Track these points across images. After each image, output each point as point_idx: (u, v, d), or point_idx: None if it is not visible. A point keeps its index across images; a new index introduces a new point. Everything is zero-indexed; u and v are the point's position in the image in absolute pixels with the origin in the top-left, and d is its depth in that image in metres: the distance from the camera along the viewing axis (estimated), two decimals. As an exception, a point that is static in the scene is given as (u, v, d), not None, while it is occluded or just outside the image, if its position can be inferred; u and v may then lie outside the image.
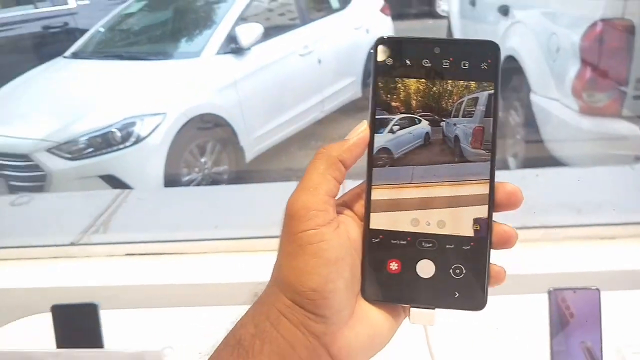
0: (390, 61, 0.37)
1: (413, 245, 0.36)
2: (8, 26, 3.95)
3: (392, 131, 0.37)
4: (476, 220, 0.36)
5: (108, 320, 0.95)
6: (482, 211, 0.36)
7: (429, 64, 0.36)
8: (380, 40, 0.37)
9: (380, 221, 0.36)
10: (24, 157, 2.40)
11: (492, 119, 0.37)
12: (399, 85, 0.37)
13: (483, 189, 0.36)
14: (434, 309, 0.36)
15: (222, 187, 2.55)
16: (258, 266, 1.17)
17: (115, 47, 3.24)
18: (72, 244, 1.29)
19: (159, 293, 1.16)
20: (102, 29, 3.25)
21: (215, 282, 1.15)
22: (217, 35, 2.90)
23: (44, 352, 0.50)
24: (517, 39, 2.74)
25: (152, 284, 1.16)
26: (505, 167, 2.40)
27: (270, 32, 3.05)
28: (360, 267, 0.36)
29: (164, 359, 0.50)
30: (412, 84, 0.36)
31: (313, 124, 3.13)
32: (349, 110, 3.29)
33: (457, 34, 3.72)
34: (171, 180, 2.49)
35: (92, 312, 0.75)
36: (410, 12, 5.16)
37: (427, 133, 0.37)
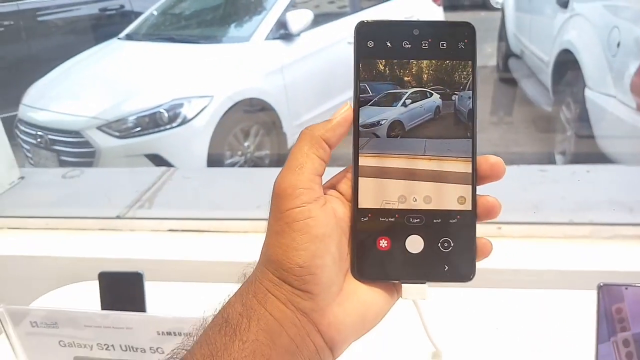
0: (371, 44, 0.38)
1: (401, 221, 0.37)
2: (66, 7, 4.08)
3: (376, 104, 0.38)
4: (460, 194, 0.37)
5: (150, 291, 0.98)
6: (466, 186, 0.37)
7: (409, 45, 0.37)
8: (361, 24, 0.38)
9: (367, 200, 0.37)
10: (75, 133, 2.49)
11: (471, 92, 0.38)
12: (380, 66, 0.38)
13: (465, 166, 0.37)
14: (424, 283, 0.36)
15: (265, 170, 2.56)
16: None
17: (167, 30, 3.30)
18: (118, 217, 1.32)
19: (200, 268, 1.18)
20: (155, 12, 3.31)
21: (255, 260, 1.16)
22: (267, 21, 2.91)
23: (92, 313, 0.52)
24: (575, 32, 2.65)
25: (193, 260, 1.19)
26: (552, 162, 2.33)
27: (320, 19, 3.04)
28: (347, 246, 0.36)
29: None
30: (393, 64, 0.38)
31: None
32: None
33: (511, 28, 3.62)
34: (214, 162, 2.52)
35: (137, 280, 0.77)
36: (463, 3, 5.05)
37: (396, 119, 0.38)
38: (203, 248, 1.22)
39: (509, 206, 1.31)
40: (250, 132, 2.72)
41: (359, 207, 0.37)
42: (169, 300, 1.01)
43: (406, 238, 0.37)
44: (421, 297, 0.36)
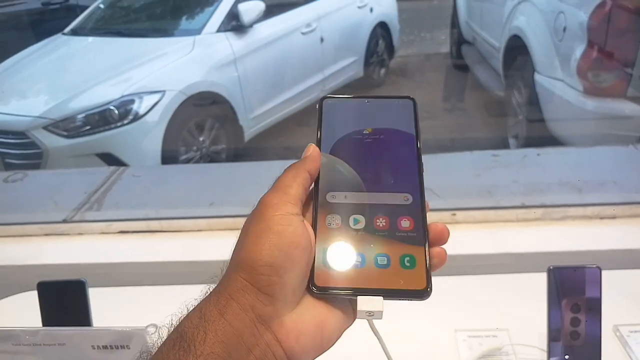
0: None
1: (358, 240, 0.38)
2: (6, 2, 3.89)
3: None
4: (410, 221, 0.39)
5: (101, 298, 0.94)
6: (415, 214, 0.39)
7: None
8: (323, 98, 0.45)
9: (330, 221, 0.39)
10: (20, 134, 2.38)
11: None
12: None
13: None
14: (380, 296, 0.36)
15: (219, 165, 2.52)
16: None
17: (115, 24, 3.19)
18: (64, 221, 1.27)
19: (153, 271, 1.14)
20: (102, 6, 3.20)
21: (210, 259, 1.13)
22: (218, 13, 2.85)
23: (20, 330, 0.48)
24: (523, 19, 2.69)
25: (146, 262, 1.15)
26: (506, 146, 2.38)
27: (273, 9, 3.00)
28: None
29: (147, 336, 0.48)
30: None
31: (314, 103, 3.09)
32: (350, 90, 3.25)
33: (463, 15, 3.66)
34: (169, 159, 2.46)
35: (79, 289, 0.73)
36: (415, -9, 5.07)
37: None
38: (156, 249, 1.18)
39: (463, 192, 1.32)
40: (205, 126, 2.67)
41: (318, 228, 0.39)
42: (120, 307, 0.97)
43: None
44: (377, 309, 0.36)
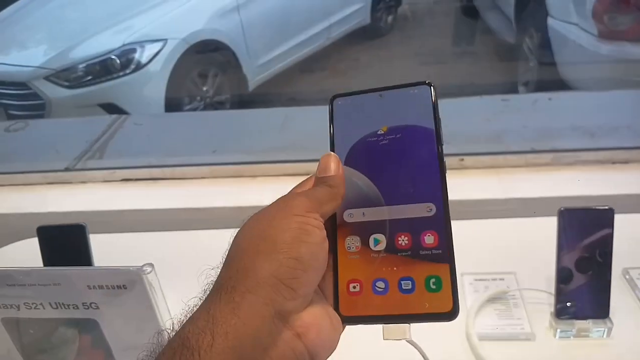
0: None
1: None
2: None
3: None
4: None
5: (103, 244, 0.93)
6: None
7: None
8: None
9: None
10: (22, 85, 2.35)
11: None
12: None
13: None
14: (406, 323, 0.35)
15: (222, 112, 2.49)
16: (257, 191, 1.15)
17: (113, -30, 3.09)
18: (67, 169, 1.26)
19: (156, 218, 1.14)
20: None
21: (213, 206, 1.12)
22: (220, -43, 2.75)
23: (13, 271, 0.47)
24: (537, -40, 2.58)
25: (149, 209, 1.14)
26: (515, 91, 2.32)
27: (277, -45, 2.89)
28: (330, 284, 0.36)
29: (144, 275, 0.47)
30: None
31: (319, 51, 3.02)
32: (356, 38, 3.17)
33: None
34: (172, 109, 2.44)
35: (80, 233, 0.72)
36: None
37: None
38: (159, 197, 1.17)
39: (472, 137, 1.30)
40: (209, 75, 2.62)
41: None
42: (123, 252, 0.97)
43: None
44: (403, 337, 0.35)
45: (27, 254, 0.81)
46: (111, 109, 2.37)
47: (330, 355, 0.34)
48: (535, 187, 1.07)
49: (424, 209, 0.37)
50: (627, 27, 2.11)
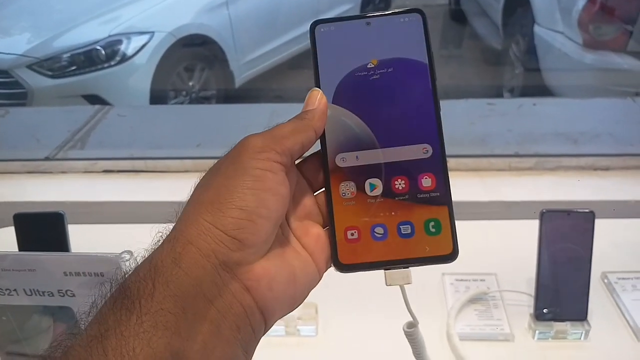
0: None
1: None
2: None
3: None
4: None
5: (82, 234, 0.91)
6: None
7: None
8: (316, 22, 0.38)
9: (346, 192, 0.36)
10: (3, 73, 2.31)
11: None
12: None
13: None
14: (408, 268, 0.35)
15: (207, 106, 2.47)
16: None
17: (101, -39, 3.05)
18: (47, 158, 1.24)
19: (137, 210, 1.12)
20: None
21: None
22: (209, -49, 2.73)
23: (-12, 254, 0.46)
24: (525, -32, 2.60)
25: (131, 201, 1.13)
26: (500, 95, 2.34)
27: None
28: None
29: (122, 263, 0.46)
30: None
31: (306, 51, 3.02)
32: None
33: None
34: (158, 103, 2.41)
35: (57, 221, 0.71)
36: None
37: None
38: (140, 189, 1.16)
39: (456, 140, 1.30)
40: (195, 70, 2.60)
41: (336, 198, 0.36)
42: (101, 243, 0.95)
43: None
44: (406, 282, 0.35)
45: (2, 242, 0.79)
46: (95, 100, 2.33)
47: (288, 312, 0.32)
48: (517, 190, 1.07)
49: (420, 151, 0.36)
50: (611, 37, 2.14)
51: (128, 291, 0.28)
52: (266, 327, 0.31)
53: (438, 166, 0.35)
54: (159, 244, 0.30)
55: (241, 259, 0.29)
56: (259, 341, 0.31)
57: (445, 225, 0.35)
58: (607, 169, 1.12)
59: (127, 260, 0.46)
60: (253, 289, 0.29)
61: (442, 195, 0.35)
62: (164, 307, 0.27)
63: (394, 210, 0.35)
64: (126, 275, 0.29)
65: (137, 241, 1.00)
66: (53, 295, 0.48)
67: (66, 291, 0.48)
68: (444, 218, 0.35)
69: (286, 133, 0.32)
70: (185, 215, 0.31)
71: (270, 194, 0.30)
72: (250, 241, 0.29)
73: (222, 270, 0.29)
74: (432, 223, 0.35)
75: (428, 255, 0.35)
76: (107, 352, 0.26)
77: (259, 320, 0.30)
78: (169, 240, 0.30)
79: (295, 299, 0.32)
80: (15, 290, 0.48)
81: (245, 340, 0.29)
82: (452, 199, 0.36)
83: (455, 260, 0.35)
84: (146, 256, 0.30)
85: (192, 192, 0.32)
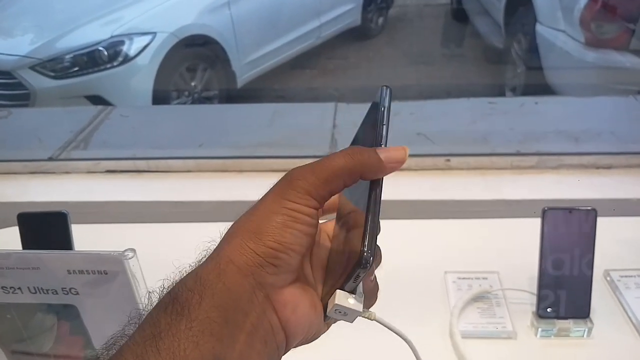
0: None
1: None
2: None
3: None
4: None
5: (86, 233, 0.92)
6: None
7: None
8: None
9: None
10: (6, 74, 2.31)
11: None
12: None
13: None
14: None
15: (210, 106, 2.47)
16: (244, 186, 1.15)
17: (103, -38, 3.06)
18: (50, 159, 1.24)
19: (140, 210, 1.13)
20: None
21: (198, 200, 1.12)
22: (212, -47, 2.73)
23: (-9, 252, 0.47)
24: (526, -33, 2.60)
25: (133, 201, 1.13)
26: (502, 94, 2.34)
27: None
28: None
29: (125, 261, 0.47)
30: None
31: (308, 50, 3.02)
32: (346, 38, 3.17)
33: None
34: (160, 104, 2.41)
35: (61, 221, 0.71)
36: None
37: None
38: (143, 189, 1.16)
39: (458, 138, 1.31)
40: (197, 70, 2.60)
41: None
42: (105, 243, 0.95)
43: None
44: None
45: (6, 242, 0.80)
46: (97, 101, 2.33)
47: (307, 337, 0.35)
48: (519, 189, 1.07)
49: None
50: (613, 35, 2.13)
51: (178, 298, 0.30)
52: (287, 347, 0.34)
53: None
54: (204, 260, 0.34)
55: (274, 282, 0.33)
56: (280, 358, 0.34)
57: None
58: (609, 167, 1.12)
59: (130, 258, 0.46)
60: (280, 310, 0.33)
61: None
62: (210, 315, 0.30)
63: None
64: (174, 283, 0.32)
65: (140, 240, 1.01)
66: (57, 293, 0.48)
67: (70, 289, 0.48)
68: None
69: (330, 173, 0.34)
70: (229, 238, 0.33)
71: (303, 233, 0.33)
72: (284, 269, 0.33)
73: (258, 290, 0.32)
74: None
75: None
76: (161, 351, 0.28)
77: (282, 339, 0.33)
78: (213, 258, 0.33)
79: (313, 325, 0.35)
80: (19, 288, 0.48)
81: (270, 354, 0.33)
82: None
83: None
84: (190, 271, 0.33)
85: (239, 218, 0.35)
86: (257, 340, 0.31)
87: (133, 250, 0.47)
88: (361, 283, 0.35)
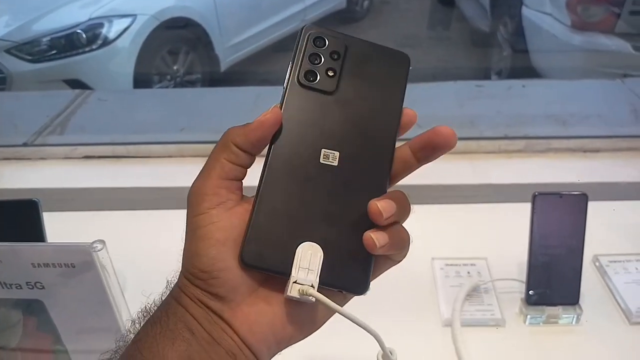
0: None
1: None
2: None
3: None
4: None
5: (61, 222, 0.88)
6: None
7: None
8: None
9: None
10: (-19, 57, 2.25)
11: None
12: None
13: None
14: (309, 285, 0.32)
15: (191, 90, 2.43)
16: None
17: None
18: (25, 144, 1.20)
19: (119, 196, 1.09)
20: None
21: (179, 185, 1.08)
22: None
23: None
24: (513, -51, 2.58)
25: (112, 187, 1.10)
26: (487, 78, 2.33)
27: None
28: None
29: (94, 253, 0.44)
30: None
31: (293, 33, 2.97)
32: (331, 21, 3.13)
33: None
34: (141, 88, 2.36)
35: (32, 209, 0.68)
36: None
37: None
38: (123, 175, 1.13)
39: (445, 122, 1.28)
40: (180, 54, 2.55)
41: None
42: (81, 231, 0.93)
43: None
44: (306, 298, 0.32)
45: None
46: (76, 85, 2.28)
47: (277, 351, 0.34)
48: (507, 173, 1.06)
49: None
50: (599, 18, 2.13)
51: (153, 315, 0.33)
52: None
53: None
54: (169, 285, 0.35)
55: (221, 307, 0.32)
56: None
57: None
58: (597, 150, 1.11)
59: (99, 250, 0.44)
60: (237, 330, 0.32)
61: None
62: (177, 327, 0.32)
63: None
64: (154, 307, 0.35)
65: (116, 228, 0.97)
66: (21, 288, 0.45)
67: (35, 283, 0.45)
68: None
69: (210, 165, 0.34)
70: (179, 272, 0.34)
71: (219, 245, 0.32)
72: (223, 292, 0.32)
73: (212, 313, 0.32)
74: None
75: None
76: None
77: (250, 355, 0.32)
78: (174, 286, 0.34)
79: (285, 338, 0.33)
80: (-19, 282, 0.45)
81: None
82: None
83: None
84: (163, 298, 0.35)
85: None
86: (223, 353, 0.32)
87: (102, 241, 0.45)
88: None
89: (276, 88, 0.38)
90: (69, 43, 2.31)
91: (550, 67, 2.18)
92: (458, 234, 0.87)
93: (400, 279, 0.79)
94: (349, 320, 0.33)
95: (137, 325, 0.34)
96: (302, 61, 0.35)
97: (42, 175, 1.13)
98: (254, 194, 0.34)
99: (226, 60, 2.69)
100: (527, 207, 0.69)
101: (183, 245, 0.34)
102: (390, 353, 0.36)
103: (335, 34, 0.36)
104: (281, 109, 0.34)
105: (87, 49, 2.31)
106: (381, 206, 0.32)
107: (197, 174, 0.35)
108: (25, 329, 0.48)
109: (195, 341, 0.31)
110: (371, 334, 0.34)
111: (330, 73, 0.35)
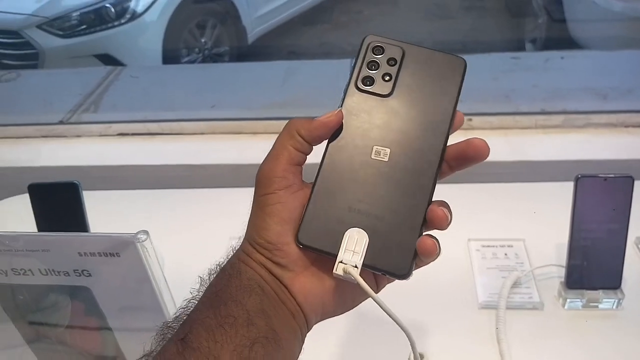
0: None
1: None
2: None
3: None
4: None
5: (99, 201, 0.90)
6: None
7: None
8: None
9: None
10: (14, 33, 2.27)
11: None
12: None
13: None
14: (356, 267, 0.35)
15: (221, 65, 2.42)
16: (257, 149, 1.12)
17: None
18: (61, 122, 1.22)
19: (153, 174, 1.11)
20: None
21: (210, 163, 1.09)
22: None
23: (2, 235, 0.45)
24: None
25: (146, 164, 1.11)
26: (522, 48, 2.25)
27: None
28: None
29: (137, 243, 0.44)
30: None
31: (321, 2, 2.92)
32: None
33: None
34: (170, 61, 2.37)
35: (73, 191, 0.69)
36: None
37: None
38: (156, 152, 1.14)
39: (480, 97, 1.25)
40: (207, 26, 2.54)
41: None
42: (118, 210, 0.94)
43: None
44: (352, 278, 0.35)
45: (18, 211, 0.78)
46: (107, 60, 2.30)
47: (322, 318, 0.38)
48: (545, 150, 1.03)
49: None
50: (642, -17, 2.03)
51: (225, 271, 0.37)
52: (308, 325, 0.37)
53: None
54: (233, 251, 0.38)
55: (282, 273, 0.36)
56: (309, 330, 0.37)
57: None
58: (639, 126, 1.07)
59: (143, 241, 0.44)
60: (295, 295, 0.36)
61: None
62: (250, 284, 0.35)
63: None
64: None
65: (152, 208, 0.98)
66: (69, 275, 0.46)
67: (82, 271, 0.46)
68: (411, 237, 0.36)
69: (278, 150, 0.37)
70: (244, 239, 0.38)
71: (284, 223, 0.36)
72: (285, 262, 0.36)
73: (274, 277, 0.36)
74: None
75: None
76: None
77: (302, 317, 0.36)
78: (238, 251, 0.38)
79: (330, 309, 0.37)
80: (30, 270, 0.46)
81: (300, 324, 0.36)
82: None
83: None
84: (224, 263, 0.38)
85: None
86: (287, 312, 0.35)
87: (146, 232, 0.45)
88: None
89: (304, 62, 0.39)
90: (98, 17, 2.31)
91: (589, 37, 2.10)
92: (494, 214, 0.85)
93: (436, 261, 0.79)
94: (378, 323, 0.33)
95: (205, 284, 0.37)
96: (361, 68, 0.38)
97: (79, 152, 1.15)
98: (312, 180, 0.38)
99: (254, 31, 2.66)
100: (564, 185, 0.67)
101: (248, 219, 0.37)
102: (421, 357, 0.36)
103: (393, 41, 0.39)
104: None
105: (116, 23, 2.31)
106: (447, 212, 0.36)
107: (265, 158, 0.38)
108: (73, 313, 0.50)
109: (265, 297, 0.35)
110: (404, 331, 0.35)
111: (387, 78, 0.38)
